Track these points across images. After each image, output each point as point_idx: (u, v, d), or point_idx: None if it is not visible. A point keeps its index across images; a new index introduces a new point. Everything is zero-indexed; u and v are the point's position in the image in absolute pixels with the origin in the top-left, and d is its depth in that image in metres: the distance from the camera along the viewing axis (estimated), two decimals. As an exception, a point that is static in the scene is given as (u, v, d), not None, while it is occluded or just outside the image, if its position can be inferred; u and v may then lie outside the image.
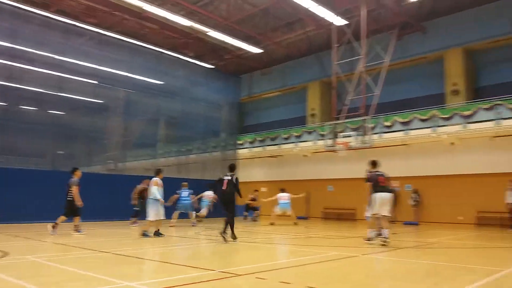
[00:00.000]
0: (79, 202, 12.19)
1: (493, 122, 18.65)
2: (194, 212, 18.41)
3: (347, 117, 20.77)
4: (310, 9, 21.02)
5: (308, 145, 25.12)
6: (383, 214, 10.33)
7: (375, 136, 21.10)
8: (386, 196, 10.35)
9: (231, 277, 5.95)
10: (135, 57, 22.32)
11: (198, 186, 20.00)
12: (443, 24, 23.00)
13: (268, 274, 6.27)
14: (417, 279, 6.17)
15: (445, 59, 22.83)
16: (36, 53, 19.80)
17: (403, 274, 6.58)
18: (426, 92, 24.04)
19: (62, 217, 12.33)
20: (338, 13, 21.11)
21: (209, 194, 18.81)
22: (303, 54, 28.44)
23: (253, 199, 21.63)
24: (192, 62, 26.46)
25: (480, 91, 22.50)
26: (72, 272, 6.19)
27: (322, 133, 23.72)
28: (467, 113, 19.49)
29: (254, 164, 28.46)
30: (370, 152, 21.74)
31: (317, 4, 20.18)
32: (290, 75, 29.88)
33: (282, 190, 19.40)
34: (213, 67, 28.27)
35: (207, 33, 23.54)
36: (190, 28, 23.62)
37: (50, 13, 20.50)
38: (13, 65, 18.75)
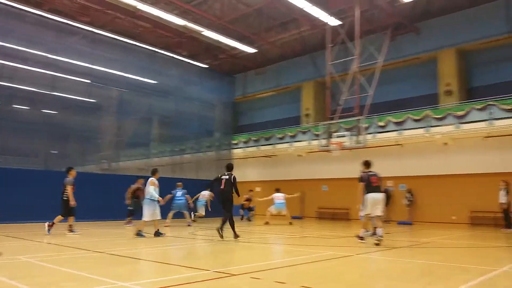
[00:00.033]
0: (72, 202, 12.13)
1: (486, 122, 18.77)
2: (192, 212, 18.50)
3: (341, 117, 20.82)
4: (304, 9, 21.05)
5: (303, 145, 25.14)
6: (376, 214, 10.40)
7: (369, 136, 21.17)
8: (378, 196, 10.42)
9: (226, 277, 5.94)
10: (128, 56, 22.22)
11: (192, 186, 19.97)
12: (436, 25, 23.12)
13: (263, 274, 6.26)
14: (411, 278, 6.19)
15: (438, 60, 22.95)
16: (28, 52, 19.67)
17: (398, 273, 6.60)
18: (420, 92, 24.16)
19: (59, 217, 12.30)
20: (332, 13, 21.16)
21: (204, 194, 18.86)
22: (297, 54, 28.47)
23: (248, 199, 21.63)
24: (186, 62, 26.38)
25: (473, 92, 22.64)
26: (66, 273, 6.15)
27: (316, 133, 23.74)
28: (460, 113, 19.60)
29: (248, 164, 28.44)
30: (364, 152, 21.80)
31: (311, 4, 20.21)
32: (284, 75, 29.89)
33: (277, 190, 19.56)
34: (207, 66, 28.21)
35: (202, 33, 23.48)
36: (184, 27, 23.55)
37: (43, 12, 20.35)
38: (5, 64, 18.62)
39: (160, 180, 12.28)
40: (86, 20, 22.71)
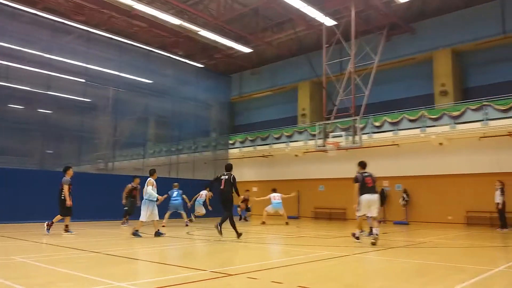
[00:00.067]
0: (68, 201, 12.10)
1: (481, 122, 18.85)
2: (191, 213, 18.53)
3: (337, 117, 20.88)
4: (300, 9, 21.07)
5: (299, 145, 25.17)
6: (371, 216, 10.46)
7: (365, 136, 21.24)
8: (372, 197, 10.47)
9: (223, 277, 5.92)
10: (124, 56, 22.13)
11: (189, 186, 19.95)
12: (431, 25, 23.20)
13: (260, 274, 6.25)
14: (408, 278, 6.20)
15: (433, 60, 23.03)
16: (23, 51, 19.57)
17: (394, 273, 6.61)
18: (415, 92, 24.24)
19: (58, 216, 12.30)
20: (328, 13, 21.20)
21: (202, 193, 19.00)
22: (293, 54, 28.48)
23: (245, 199, 21.63)
24: (182, 61, 26.33)
25: (468, 92, 22.74)
26: (62, 273, 6.11)
27: (312, 133, 23.76)
28: (455, 113, 19.68)
29: (245, 164, 28.41)
30: (360, 152, 21.85)
31: (306, 5, 20.23)
32: (280, 75, 29.91)
33: (274, 190, 19.62)
34: (203, 66, 28.17)
35: (198, 32, 23.44)
36: (180, 27, 23.51)
37: (37, 11, 20.26)
38: (-1, 63, 18.52)
39: (156, 180, 12.27)
40: (81, 19, 22.62)
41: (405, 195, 21.30)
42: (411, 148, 21.63)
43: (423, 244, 11.14)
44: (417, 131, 20.63)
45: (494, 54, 21.85)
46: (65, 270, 6.27)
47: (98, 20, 23.57)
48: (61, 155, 22.82)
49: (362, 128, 21.12)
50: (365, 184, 10.48)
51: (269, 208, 19.14)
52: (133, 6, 20.67)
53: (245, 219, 21.28)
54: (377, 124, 22.04)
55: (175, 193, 16.88)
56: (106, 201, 18.32)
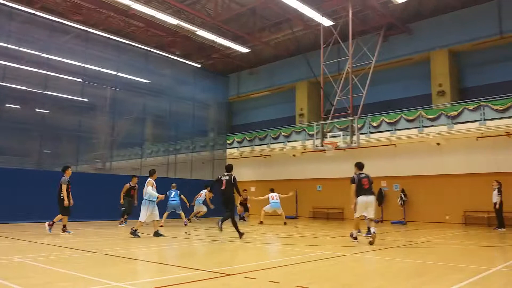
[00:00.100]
0: (66, 201, 12.09)
1: (478, 122, 18.90)
2: (192, 212, 18.83)
3: (334, 117, 20.90)
4: (297, 9, 21.07)
5: (297, 144, 25.18)
6: (368, 217, 10.53)
7: (363, 136, 21.28)
8: (369, 199, 10.52)
9: (221, 276, 5.92)
10: (121, 55, 22.10)
11: (186, 186, 19.95)
12: (428, 26, 23.25)
13: (258, 274, 6.25)
14: (405, 278, 6.21)
15: (431, 60, 23.07)
16: (20, 51, 19.52)
17: (392, 273, 6.62)
18: (413, 92, 24.30)
19: (59, 216, 12.32)
20: (325, 14, 21.21)
21: (201, 193, 19.17)
22: (291, 54, 28.51)
23: (244, 200, 21.63)
24: (179, 61, 26.31)
25: (465, 92, 22.80)
26: (60, 273, 6.10)
27: (310, 133, 23.79)
28: (452, 113, 19.72)
29: (243, 163, 28.42)
30: (358, 152, 21.94)
31: (304, 5, 20.23)
32: (278, 75, 29.92)
33: (272, 190, 19.74)
34: (200, 66, 28.16)
35: (195, 32, 23.42)
36: (177, 26, 23.49)
37: (35, 10, 20.22)
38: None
39: (155, 180, 12.27)
40: (78, 19, 22.59)
41: (402, 195, 21.34)
42: (408, 148, 21.68)
43: (421, 244, 11.17)
44: (415, 131, 20.68)
45: (491, 54, 21.93)
46: (63, 270, 6.26)
47: (96, 19, 23.54)
48: (59, 155, 22.78)
49: (360, 128, 21.16)
50: (362, 186, 10.53)
51: (268, 208, 19.23)
52: (131, 6, 20.64)
53: (244, 219, 21.28)
54: (374, 124, 22.08)
55: (173, 194, 16.96)
56: (104, 201, 18.31)
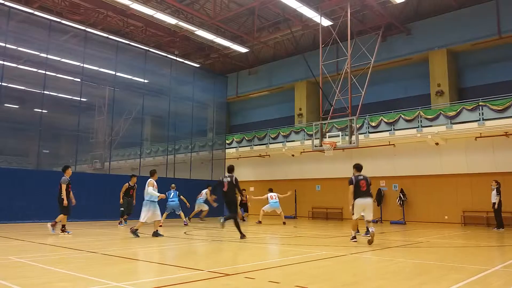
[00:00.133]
0: (64, 201, 12.09)
1: (477, 122, 18.91)
2: (192, 211, 19.09)
3: (333, 117, 20.91)
4: (296, 9, 21.12)
5: (296, 144, 25.18)
6: (366, 219, 10.63)
7: (362, 136, 21.29)
8: (366, 202, 10.57)
9: (220, 276, 5.91)
10: (120, 55, 22.06)
11: (186, 186, 19.94)
12: (427, 26, 23.27)
13: (257, 274, 6.25)
14: (405, 278, 6.21)
15: (429, 60, 23.09)
16: (19, 50, 19.51)
17: (391, 273, 6.62)
18: (411, 92, 24.34)
19: (61, 216, 12.28)
20: (324, 14, 21.22)
21: (202, 193, 19.44)
22: (289, 54, 28.54)
23: (245, 200, 21.66)
24: (178, 61, 26.29)
25: (464, 92, 22.83)
26: (59, 273, 6.08)
27: (309, 132, 23.80)
28: (451, 113, 19.73)
29: (242, 163, 28.44)
30: (357, 152, 21.99)
31: (302, 5, 20.25)
32: (276, 74, 29.93)
33: (270, 190, 19.78)
34: (199, 66, 28.16)
35: (194, 32, 23.41)
36: (176, 26, 23.49)
37: (33, 10, 20.20)
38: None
39: (156, 180, 12.26)
40: (77, 19, 22.58)
41: (401, 195, 21.36)
42: (407, 148, 21.69)
43: (420, 244, 11.18)
44: (414, 131, 20.68)
45: (489, 54, 21.96)
46: (62, 270, 6.25)
47: (94, 19, 23.53)
48: (57, 155, 22.77)
49: (359, 128, 21.17)
50: (359, 188, 10.56)
51: (267, 208, 19.27)
52: (129, 6, 20.62)
53: (243, 219, 21.30)
54: (373, 124, 22.09)
55: (172, 194, 16.98)
56: (103, 201, 18.31)
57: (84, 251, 8.59)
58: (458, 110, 19.53)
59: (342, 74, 21.28)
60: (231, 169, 11.87)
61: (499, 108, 18.40)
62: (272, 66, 30.24)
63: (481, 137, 19.37)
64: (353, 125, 19.28)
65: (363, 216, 10.72)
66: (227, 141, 28.56)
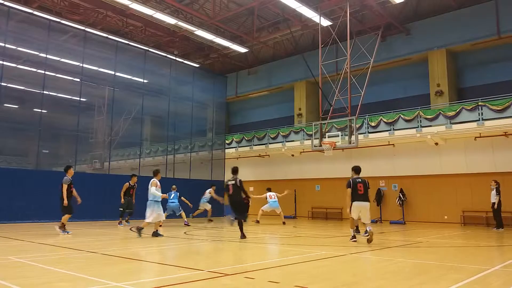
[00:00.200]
0: (65, 201, 12.09)
1: (476, 122, 18.92)
2: (193, 212, 19.42)
3: (333, 117, 20.91)
4: (295, 9, 21.13)
5: (295, 144, 25.18)
6: (364, 222, 10.73)
7: (361, 136, 21.30)
8: (363, 205, 10.61)
9: (220, 276, 5.92)
10: (119, 55, 22.05)
11: (185, 186, 19.94)
12: (426, 26, 23.28)
13: (257, 274, 6.25)
14: (404, 277, 6.22)
15: (429, 60, 23.09)
16: (18, 50, 19.50)
17: (391, 272, 6.62)
18: (411, 92, 24.36)
19: (67, 216, 12.30)
20: (323, 14, 21.22)
21: (206, 192, 19.60)
22: (289, 54, 28.55)
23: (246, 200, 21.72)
24: (177, 61, 26.29)
25: (463, 92, 22.84)
26: (59, 273, 6.08)
27: (309, 132, 23.80)
28: (450, 113, 19.74)
29: (241, 163, 28.40)
30: (357, 152, 22.00)
31: (302, 5, 20.26)
32: (276, 74, 29.93)
33: (269, 190, 19.75)
34: (198, 66, 28.15)
35: (194, 32, 23.41)
36: (175, 26, 23.48)
37: (32, 10, 20.19)
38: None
39: (159, 180, 12.27)
40: (76, 19, 22.56)
41: (401, 195, 21.37)
42: (407, 148, 21.71)
43: (420, 244, 11.18)
44: (413, 131, 20.69)
45: (489, 54, 21.97)
46: (62, 270, 6.24)
47: (94, 19, 23.52)
48: (57, 155, 22.76)
49: (358, 128, 21.19)
50: (357, 191, 10.57)
51: (266, 207, 19.28)
52: (129, 6, 20.62)
53: (244, 220, 21.36)
54: (373, 124, 22.09)
55: (172, 195, 16.96)
56: (102, 201, 18.29)
57: (84, 251, 8.58)
58: (458, 110, 19.54)
59: (341, 74, 21.26)
60: (235, 171, 11.76)
61: (499, 108, 18.41)
62: (272, 66, 30.24)
63: (480, 137, 19.39)
64: (352, 125, 19.28)
65: (360, 217, 10.77)
66: (227, 141, 28.56)
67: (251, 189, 26.39)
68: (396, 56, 24.17)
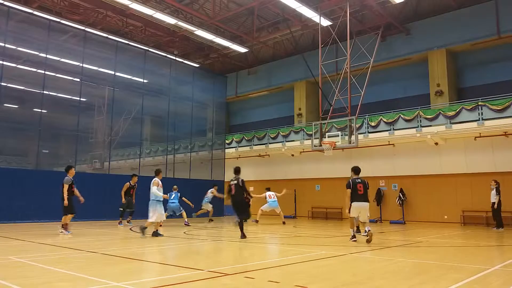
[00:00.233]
0: (65, 201, 12.08)
1: (476, 122, 18.92)
2: (195, 212, 19.49)
3: (333, 117, 20.91)
4: (295, 9, 21.13)
5: (295, 144, 25.18)
6: (362, 221, 10.78)
7: (361, 136, 21.30)
8: (362, 205, 10.64)
9: (220, 276, 5.92)
10: (119, 55, 22.04)
11: (185, 186, 19.94)
12: (426, 26, 23.28)
13: (257, 274, 6.25)
14: (404, 277, 6.22)
15: (429, 60, 23.08)
16: (18, 50, 19.50)
17: (391, 272, 6.62)
18: (411, 92, 24.36)
19: (69, 216, 12.32)
20: (323, 14, 21.23)
21: (208, 192, 19.80)
22: (289, 54, 28.54)
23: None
24: (177, 61, 26.28)
25: (463, 92, 22.84)
26: (59, 273, 6.08)
27: (309, 132, 23.80)
28: (450, 113, 19.74)
29: (241, 163, 28.33)
30: (356, 151, 22.00)
31: (301, 5, 20.26)
32: (276, 74, 29.92)
33: (268, 189, 19.76)
34: (198, 66, 28.14)
35: (194, 32, 23.40)
36: (175, 26, 23.48)
37: (32, 10, 20.18)
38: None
39: (162, 180, 12.28)
40: (76, 19, 22.55)
41: (401, 195, 21.37)
42: (407, 148, 21.71)
43: (420, 243, 11.19)
44: (413, 131, 20.70)
45: (488, 54, 21.97)
46: (62, 270, 6.25)
47: (94, 19, 23.51)
48: (57, 155, 22.75)
49: (358, 128, 21.19)
50: (357, 191, 10.59)
51: (265, 207, 19.25)
52: (129, 6, 20.61)
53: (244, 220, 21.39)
54: (373, 124, 22.10)
55: (173, 195, 16.93)
56: (102, 201, 18.29)
57: (84, 251, 8.58)
58: (458, 110, 19.55)
59: (341, 74, 21.26)
60: (237, 171, 11.81)
61: (499, 108, 18.42)
62: (272, 66, 30.24)
63: (480, 137, 19.39)
64: (352, 125, 19.28)
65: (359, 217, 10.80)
66: (227, 141, 28.56)
67: (251, 189, 26.35)
68: (396, 56, 24.18)
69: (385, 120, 21.72)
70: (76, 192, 12.54)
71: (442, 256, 8.78)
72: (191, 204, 17.99)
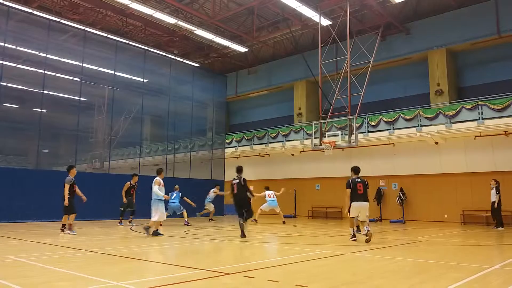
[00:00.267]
0: (66, 201, 12.08)
1: (476, 121, 18.92)
2: (199, 211, 19.74)
3: (333, 116, 20.91)
4: (295, 9, 21.12)
5: (295, 144, 25.18)
6: (361, 220, 10.80)
7: (361, 136, 21.30)
8: (362, 205, 10.66)
9: (220, 276, 5.92)
10: (119, 55, 22.04)
11: (185, 185, 19.94)
12: (426, 25, 23.27)
13: (257, 273, 6.25)
14: (404, 276, 6.22)
15: (429, 60, 23.08)
16: (18, 50, 19.50)
17: (391, 271, 6.62)
18: (411, 92, 24.36)
19: (73, 216, 12.35)
20: (323, 13, 21.22)
21: (210, 192, 19.89)
22: (289, 53, 28.53)
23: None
24: (177, 60, 26.28)
25: (463, 91, 22.84)
26: (59, 272, 6.09)
27: (309, 132, 23.79)
28: (450, 113, 19.74)
29: (241, 163, 28.21)
30: (357, 151, 21.99)
31: (301, 4, 20.26)
32: (276, 74, 29.92)
33: (267, 188, 19.75)
34: (198, 65, 28.13)
35: (194, 31, 23.39)
36: (175, 26, 23.46)
37: (32, 9, 20.18)
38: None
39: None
40: (76, 18, 22.54)
41: (401, 194, 21.38)
42: (407, 147, 21.71)
43: (420, 243, 11.19)
44: (413, 130, 20.69)
45: (488, 53, 21.97)
46: (62, 270, 6.25)
47: (93, 19, 23.50)
48: (57, 155, 22.74)
49: (358, 127, 21.18)
50: (356, 191, 10.60)
51: (265, 207, 19.21)
52: (129, 5, 20.60)
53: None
54: (373, 123, 22.09)
55: (174, 195, 16.94)
56: (103, 200, 18.29)
57: (84, 251, 8.59)
58: (458, 109, 19.55)
59: (341, 73, 21.25)
60: (239, 170, 11.83)
61: (499, 107, 18.42)
62: (272, 65, 30.23)
63: (480, 136, 19.39)
64: (352, 124, 19.28)
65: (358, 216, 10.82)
66: (227, 141, 28.56)
67: (251, 188, 26.38)
68: (396, 55, 24.17)
69: (385, 119, 21.72)
70: (78, 191, 12.54)
71: (442, 255, 8.78)
72: (192, 204, 17.99)
